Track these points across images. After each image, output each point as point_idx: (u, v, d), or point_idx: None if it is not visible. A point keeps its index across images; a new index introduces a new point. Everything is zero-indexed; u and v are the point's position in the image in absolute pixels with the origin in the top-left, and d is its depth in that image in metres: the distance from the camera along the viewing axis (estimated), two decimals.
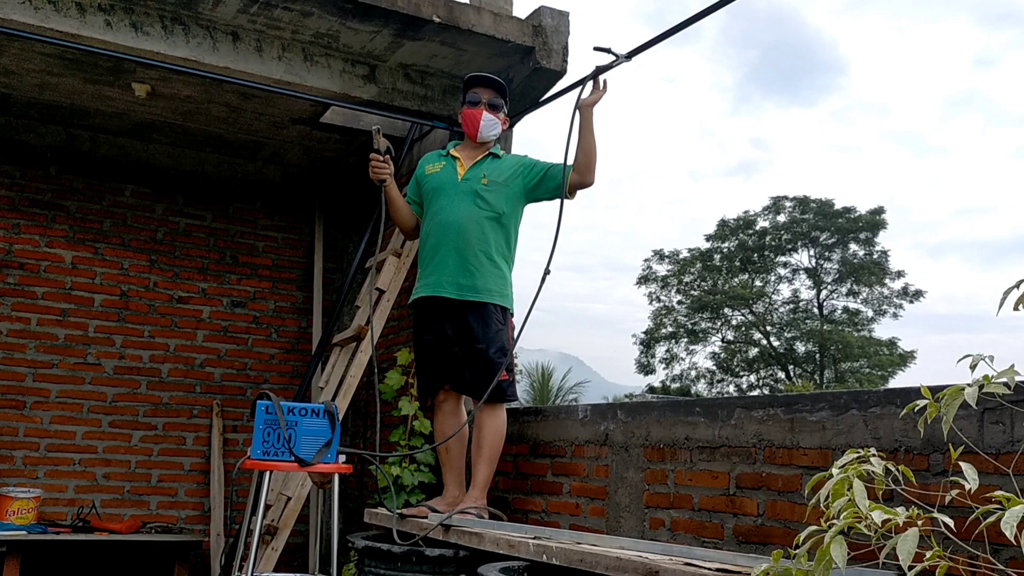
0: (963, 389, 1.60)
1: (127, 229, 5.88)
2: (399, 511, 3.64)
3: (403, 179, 4.96)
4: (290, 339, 6.23)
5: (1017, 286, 1.69)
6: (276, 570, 4.26)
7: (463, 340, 3.58)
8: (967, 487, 1.50)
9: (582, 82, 3.69)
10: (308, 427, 3.33)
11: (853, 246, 32.85)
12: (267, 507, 4.22)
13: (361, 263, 5.05)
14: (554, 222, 3.60)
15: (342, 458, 3.41)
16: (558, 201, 3.61)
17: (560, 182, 3.61)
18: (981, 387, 1.61)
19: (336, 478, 3.42)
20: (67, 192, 5.74)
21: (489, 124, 3.73)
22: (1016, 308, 1.67)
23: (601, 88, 3.58)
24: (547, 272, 3.52)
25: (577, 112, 3.55)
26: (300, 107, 5.00)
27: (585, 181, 3.61)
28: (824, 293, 33.60)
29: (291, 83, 4.39)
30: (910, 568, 1.36)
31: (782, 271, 34.15)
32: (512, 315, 3.71)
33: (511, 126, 4.54)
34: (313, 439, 3.33)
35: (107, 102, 5.14)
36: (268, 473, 3.31)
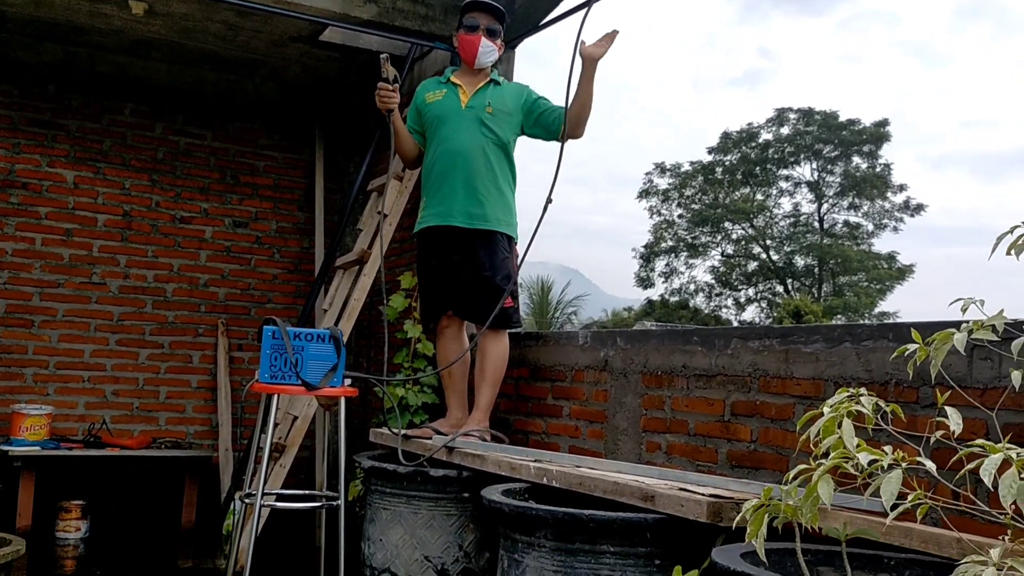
0: (952, 334, 1.66)
1: (127, 149, 5.87)
2: (404, 432, 3.74)
3: (403, 99, 4.92)
4: (292, 259, 6.27)
5: (1011, 231, 1.73)
6: (284, 484, 4.41)
7: (470, 267, 3.63)
8: (952, 429, 1.57)
9: (587, 4, 3.64)
10: (314, 352, 3.42)
11: (856, 159, 32.67)
12: (275, 426, 4.34)
13: (363, 185, 5.06)
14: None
15: (348, 382, 3.50)
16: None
17: (555, 127, 3.63)
18: (970, 332, 1.66)
19: (342, 401, 3.52)
20: (66, 111, 5.71)
21: (487, 51, 3.70)
22: (1008, 253, 1.71)
23: (609, 39, 3.48)
24: (549, 201, 3.54)
25: (579, 57, 3.46)
26: (299, 25, 4.93)
27: (574, 134, 3.60)
28: (825, 207, 33.56)
29: (290, 2, 4.33)
30: (893, 508, 1.43)
31: (784, 184, 34.05)
32: (516, 243, 3.74)
33: (514, 47, 4.50)
34: (319, 364, 3.42)
35: (104, 19, 5.06)
36: (276, 395, 3.41)
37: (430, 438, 3.62)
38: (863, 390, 1.74)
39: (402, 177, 4.60)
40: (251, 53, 5.54)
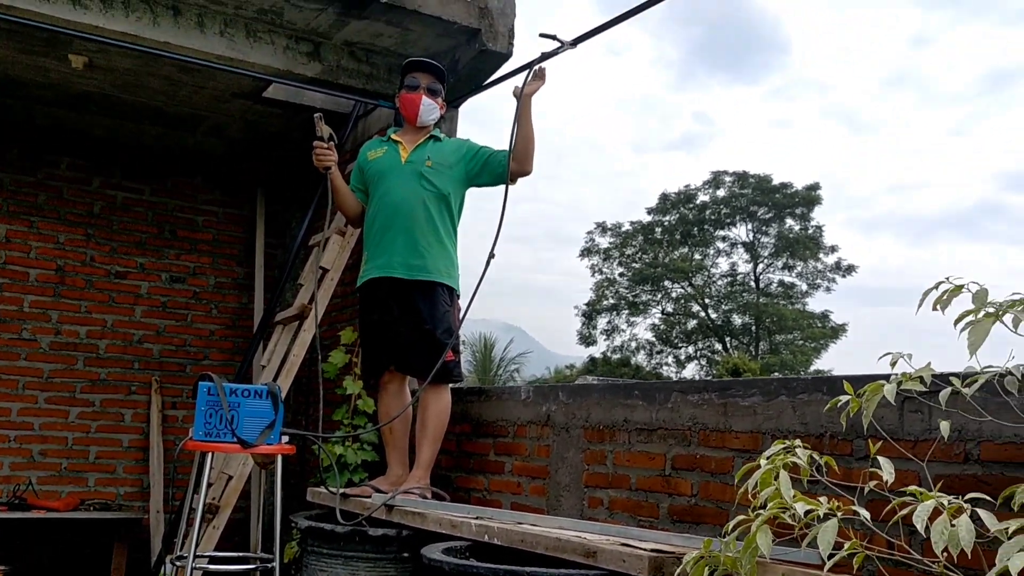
0: (883, 386, 1.70)
1: (63, 203, 5.76)
2: (342, 491, 3.68)
3: (346, 155, 4.95)
4: (230, 315, 6.18)
5: (936, 287, 1.80)
6: (217, 547, 4.27)
7: (411, 321, 3.62)
8: (885, 479, 1.60)
9: (528, 67, 3.72)
10: (251, 408, 3.35)
11: (789, 221, 33.56)
12: (208, 485, 4.22)
13: (304, 240, 5.03)
14: (498, 193, 3.67)
15: (285, 439, 3.44)
16: (502, 186, 3.66)
17: (501, 169, 3.66)
18: (899, 384, 1.71)
19: (279, 459, 3.45)
20: (0, 164, 5.60)
21: (428, 108, 3.76)
22: (935, 308, 1.77)
23: (540, 77, 3.61)
24: (491, 256, 3.57)
25: (516, 100, 3.59)
26: (242, 82, 4.94)
27: (523, 169, 3.65)
28: (761, 267, 34.30)
29: (233, 59, 4.33)
30: (829, 556, 1.45)
31: (721, 245, 34.76)
32: (458, 296, 3.76)
33: (457, 107, 4.57)
34: (256, 420, 3.35)
35: (43, 73, 5.00)
36: (210, 453, 3.33)
37: (369, 496, 3.57)
38: (798, 442, 1.77)
39: (344, 232, 4.59)
40: (193, 108, 5.52)
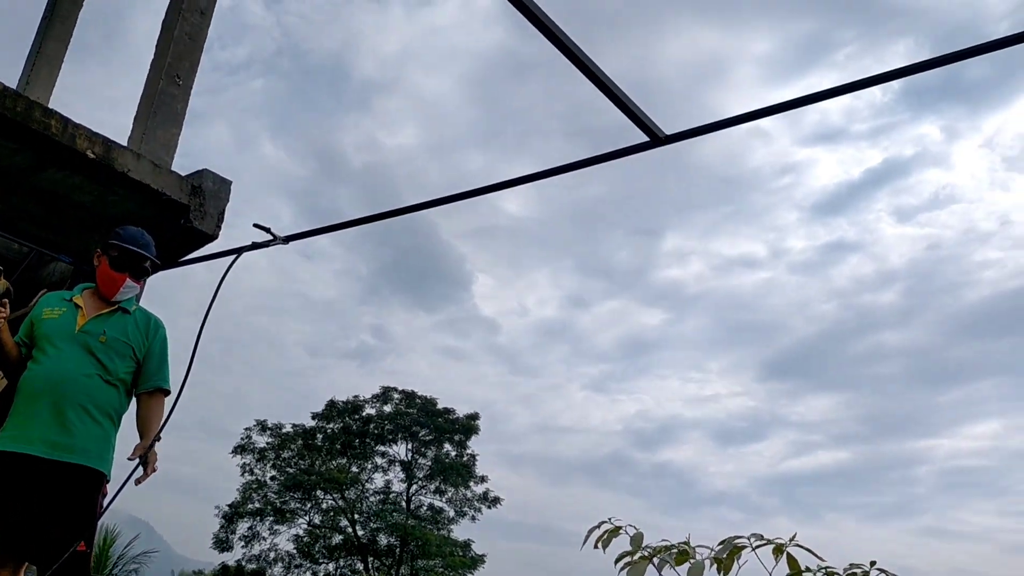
0: None
1: None
2: None
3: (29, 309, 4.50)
4: None
5: (598, 527, 1.96)
6: None
7: (43, 503, 3.21)
8: None
9: (237, 251, 3.70)
10: None
11: (447, 446, 34.56)
12: None
13: None
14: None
15: None
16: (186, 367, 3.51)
17: (140, 391, 3.57)
18: None
19: None
20: None
21: (128, 290, 3.58)
22: (596, 547, 1.93)
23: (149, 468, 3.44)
24: (157, 438, 3.34)
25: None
26: None
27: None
28: (414, 488, 34.58)
29: None
30: None
31: (380, 460, 34.74)
32: (108, 480, 3.41)
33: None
34: None
35: None
36: None
37: None
38: None
39: None
40: None
